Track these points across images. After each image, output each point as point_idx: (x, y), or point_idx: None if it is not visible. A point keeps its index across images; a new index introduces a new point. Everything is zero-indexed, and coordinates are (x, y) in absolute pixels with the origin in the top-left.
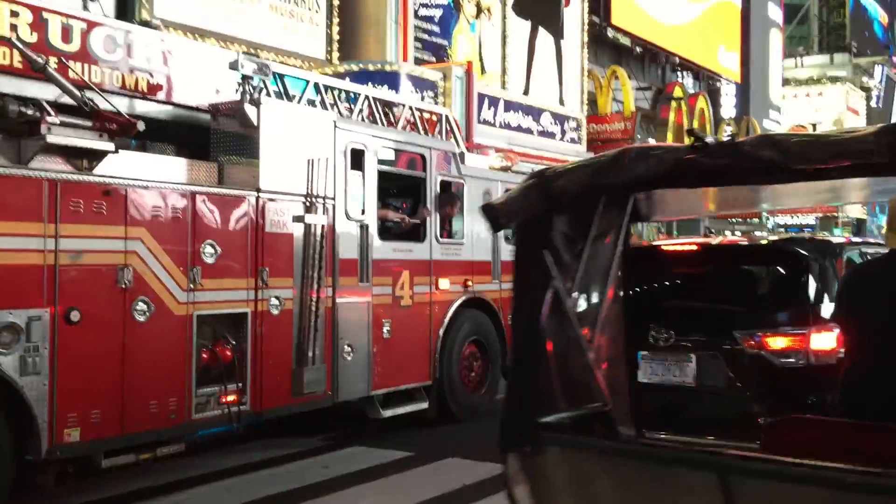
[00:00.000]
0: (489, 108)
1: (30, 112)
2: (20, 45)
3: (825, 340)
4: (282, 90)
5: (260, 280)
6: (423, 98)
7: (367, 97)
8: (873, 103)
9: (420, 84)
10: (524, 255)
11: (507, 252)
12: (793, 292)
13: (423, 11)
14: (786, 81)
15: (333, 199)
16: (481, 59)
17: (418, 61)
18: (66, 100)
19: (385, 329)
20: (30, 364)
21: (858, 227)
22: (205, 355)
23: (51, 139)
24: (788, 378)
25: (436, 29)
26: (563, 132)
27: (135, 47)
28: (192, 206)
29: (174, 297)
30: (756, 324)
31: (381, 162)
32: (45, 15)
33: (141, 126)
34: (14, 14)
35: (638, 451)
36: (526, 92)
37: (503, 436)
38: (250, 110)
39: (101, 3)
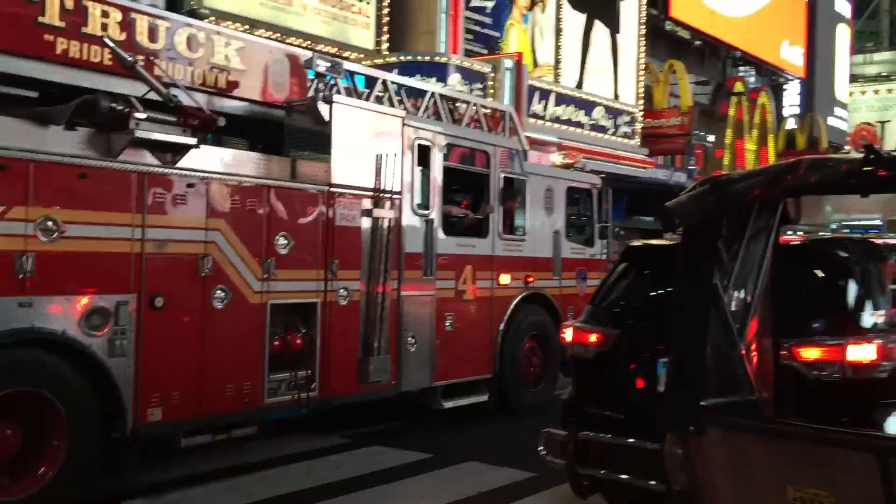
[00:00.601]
0: (539, 102)
1: (119, 107)
2: (111, 44)
3: (863, 352)
4: (352, 86)
5: (329, 272)
6: (472, 90)
7: (433, 94)
8: None
9: (469, 76)
10: (692, 254)
11: (568, 250)
12: (829, 298)
13: (475, 2)
14: (853, 78)
15: (401, 194)
16: (534, 52)
17: (469, 53)
18: (153, 96)
19: (447, 322)
20: (117, 347)
21: None
22: (277, 342)
23: (139, 133)
24: (821, 392)
25: (488, 20)
26: (617, 126)
27: (215, 45)
28: (268, 199)
29: (250, 286)
30: (788, 332)
31: (446, 158)
32: (132, 15)
33: (222, 122)
34: (105, 14)
35: (800, 432)
36: (579, 85)
37: (667, 415)
38: (323, 108)
39: None
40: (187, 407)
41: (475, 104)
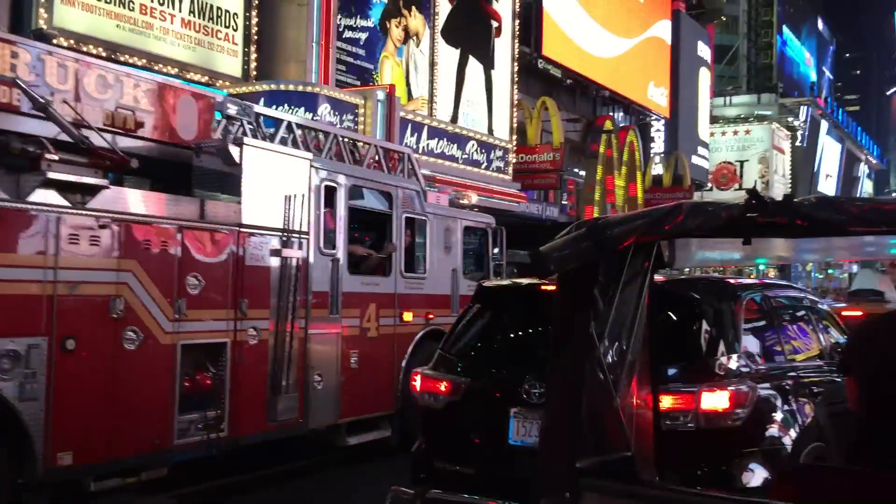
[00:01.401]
0: (412, 135)
1: (31, 149)
2: (24, 85)
3: (717, 400)
4: (256, 127)
5: (239, 311)
6: (342, 122)
7: (335, 136)
8: (798, 142)
9: (340, 107)
10: (567, 303)
11: (465, 287)
12: (682, 343)
13: (348, 34)
14: (714, 119)
15: (308, 234)
16: (408, 85)
17: (342, 84)
18: (64, 137)
19: (353, 360)
20: (28, 390)
21: (781, 268)
22: (187, 383)
23: (51, 175)
24: (676, 442)
25: (361, 52)
26: (490, 161)
27: (124, 86)
28: (179, 239)
29: (161, 326)
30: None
31: (351, 199)
32: (42, 56)
33: (134, 163)
34: (14, 55)
35: (678, 497)
36: (454, 119)
37: (543, 480)
38: (233, 149)
39: None
40: (98, 450)
41: (375, 145)
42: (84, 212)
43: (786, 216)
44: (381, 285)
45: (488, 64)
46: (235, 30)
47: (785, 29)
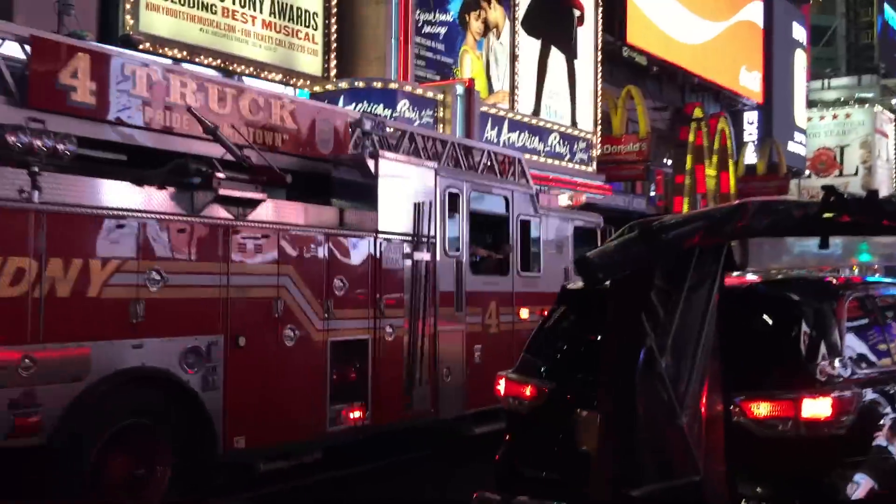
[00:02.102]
0: (493, 128)
1: (204, 169)
2: (196, 113)
3: (819, 407)
4: (383, 139)
5: (378, 310)
6: (421, 117)
7: (452, 143)
8: None
9: (419, 103)
10: (620, 312)
11: (579, 283)
12: (781, 347)
13: (427, 29)
14: (812, 103)
15: (435, 237)
16: (489, 78)
17: (422, 79)
18: (228, 156)
19: (476, 355)
20: (209, 381)
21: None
22: (335, 376)
23: (222, 191)
24: (773, 452)
25: (441, 47)
26: (573, 153)
27: (272, 108)
28: (327, 246)
29: (314, 325)
30: (737, 386)
31: (471, 204)
32: (205, 84)
33: (289, 178)
34: (183, 84)
35: None
36: (536, 112)
37: None
38: (370, 162)
39: (77, 16)
40: (266, 435)
41: (488, 151)
42: (249, 223)
43: (869, 216)
44: (499, 284)
45: (571, 54)
46: (315, 29)
47: (886, 7)
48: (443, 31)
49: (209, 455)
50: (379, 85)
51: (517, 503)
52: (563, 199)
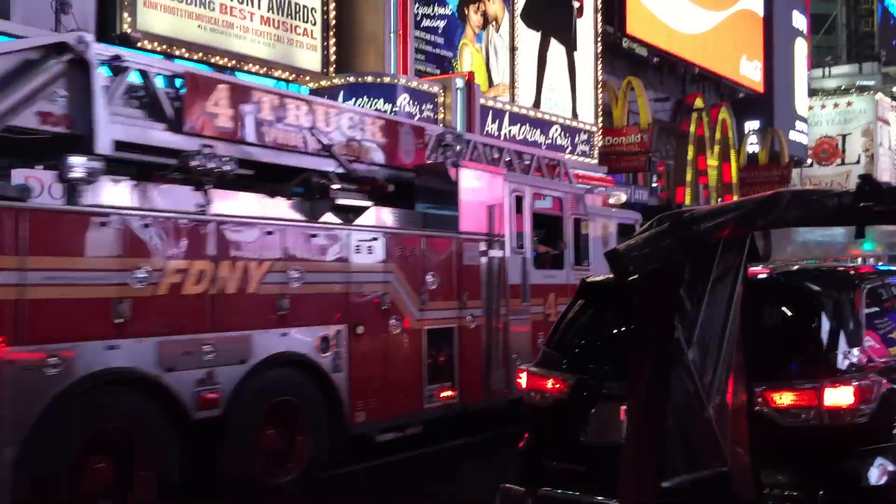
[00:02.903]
0: (493, 122)
1: (322, 181)
2: (318, 135)
3: (841, 396)
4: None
5: (461, 302)
6: (421, 111)
7: (507, 150)
8: None
9: (419, 97)
10: (649, 307)
11: (598, 276)
12: (801, 337)
13: (426, 22)
14: (813, 92)
15: (504, 236)
16: (489, 71)
17: (422, 73)
18: (338, 170)
19: (539, 341)
20: (337, 364)
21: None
22: (429, 360)
23: (339, 201)
24: (796, 440)
25: (440, 40)
26: (574, 145)
27: (365, 125)
28: (421, 246)
29: (413, 315)
30: (759, 376)
31: (533, 205)
32: (314, 106)
33: (391, 188)
34: (297, 107)
35: None
36: (537, 104)
37: (623, 501)
38: (452, 171)
39: (74, 15)
40: (380, 411)
41: (535, 156)
42: (363, 227)
43: None
44: (556, 277)
45: (570, 46)
46: (314, 24)
47: None
48: (442, 24)
49: (339, 428)
50: (379, 80)
51: (541, 495)
52: (607, 199)
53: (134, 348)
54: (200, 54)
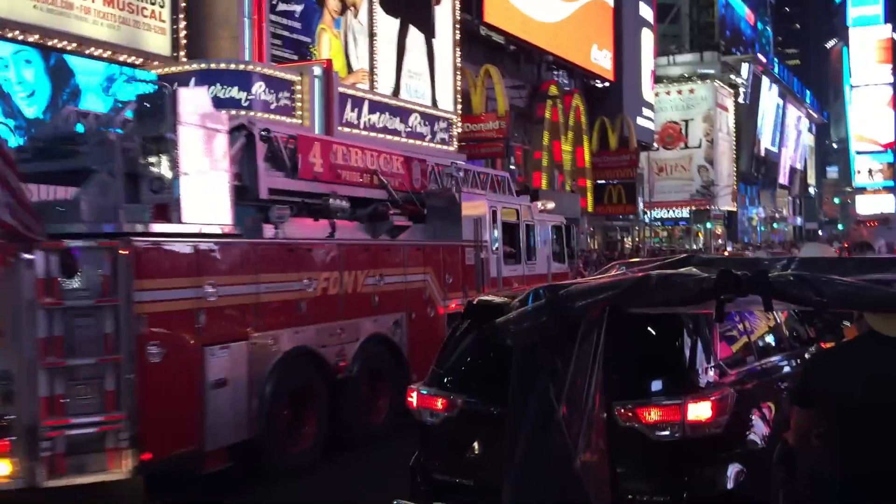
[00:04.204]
0: (353, 110)
1: (382, 208)
2: (378, 175)
3: (701, 410)
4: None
5: (464, 292)
6: (278, 99)
7: (473, 172)
8: (741, 99)
9: (275, 84)
10: (525, 373)
11: (555, 267)
12: (664, 357)
13: (282, 6)
14: (658, 79)
15: (486, 241)
16: (347, 57)
17: (279, 59)
18: (382, 196)
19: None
20: (403, 341)
21: (729, 218)
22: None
23: (395, 222)
24: (664, 452)
25: (297, 25)
26: (434, 133)
27: (393, 161)
28: (442, 253)
29: (440, 303)
30: (629, 393)
31: (502, 217)
32: (364, 151)
33: (425, 210)
34: (355, 153)
35: None
36: (396, 92)
37: None
38: (457, 195)
39: None
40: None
41: (486, 174)
42: (413, 242)
43: (760, 294)
44: (517, 270)
45: (429, 33)
46: (162, 6)
47: None
48: (299, 8)
49: (405, 387)
50: (233, 66)
51: None
52: (542, 206)
53: (306, 332)
54: (37, 36)
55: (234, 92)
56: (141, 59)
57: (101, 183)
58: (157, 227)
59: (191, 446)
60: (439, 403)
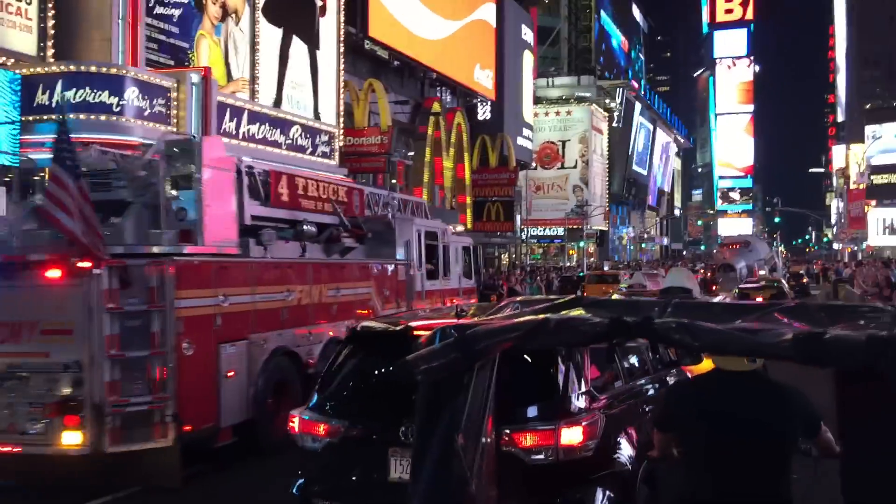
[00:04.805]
0: (231, 120)
1: (336, 232)
2: (333, 203)
3: (573, 434)
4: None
5: (397, 303)
6: (152, 106)
7: (399, 199)
8: (615, 123)
9: (150, 90)
10: (430, 405)
11: (463, 282)
12: (538, 385)
13: (159, 9)
14: (538, 100)
15: (412, 260)
16: (227, 65)
17: (154, 64)
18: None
19: None
20: None
21: (601, 237)
22: None
23: (345, 243)
24: (540, 475)
25: (175, 30)
26: (315, 146)
27: (339, 190)
28: (380, 269)
29: (379, 312)
30: (508, 419)
31: (425, 238)
32: (319, 181)
33: (369, 234)
34: (313, 185)
35: None
36: (278, 103)
37: None
38: (392, 220)
39: None
40: None
41: (412, 202)
42: (363, 261)
43: (647, 337)
44: (435, 284)
45: (313, 44)
46: (29, 3)
47: (602, 13)
48: (177, 12)
49: None
50: (104, 70)
51: None
52: (455, 228)
53: (286, 335)
54: None
55: (105, 97)
56: (3, 59)
57: (138, 212)
58: (188, 249)
59: (212, 423)
60: (321, 429)
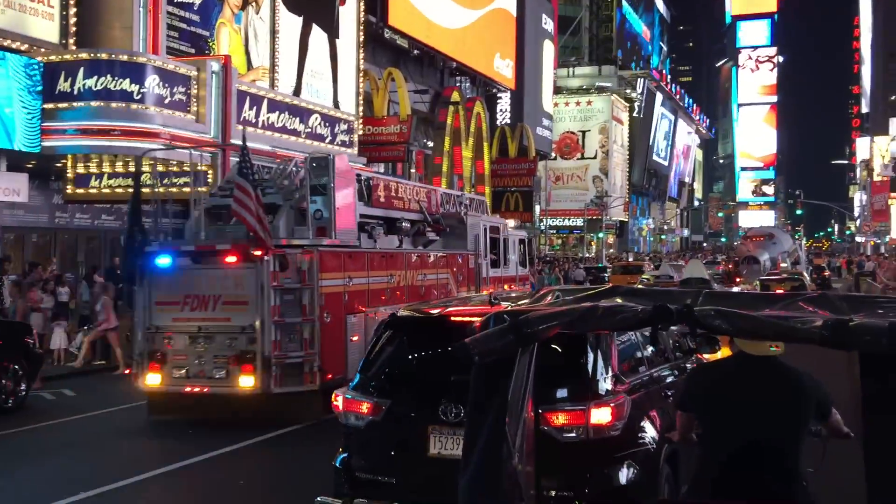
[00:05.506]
0: (251, 108)
1: (421, 227)
2: (422, 204)
3: (602, 415)
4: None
5: (468, 288)
6: (173, 94)
7: (464, 196)
8: (635, 113)
9: (170, 78)
10: (483, 385)
11: (519, 270)
12: (571, 368)
13: None
14: (558, 90)
15: (480, 250)
16: (248, 54)
17: (175, 52)
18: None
19: None
20: None
21: (621, 229)
22: None
23: (429, 237)
24: (571, 452)
25: (195, 18)
26: (335, 135)
27: (419, 192)
28: (457, 258)
29: (455, 294)
30: (540, 399)
31: (489, 232)
32: (406, 185)
33: (448, 229)
34: (404, 189)
35: None
36: (297, 91)
37: None
38: (464, 216)
39: None
40: None
41: (471, 198)
42: (443, 251)
43: (687, 324)
44: (497, 272)
45: (333, 33)
46: None
47: (624, 2)
48: (198, 1)
49: None
50: (125, 58)
51: None
52: (510, 223)
53: (389, 310)
54: None
55: (126, 84)
56: (26, 46)
57: (287, 213)
58: (326, 241)
59: (342, 374)
60: (364, 407)
